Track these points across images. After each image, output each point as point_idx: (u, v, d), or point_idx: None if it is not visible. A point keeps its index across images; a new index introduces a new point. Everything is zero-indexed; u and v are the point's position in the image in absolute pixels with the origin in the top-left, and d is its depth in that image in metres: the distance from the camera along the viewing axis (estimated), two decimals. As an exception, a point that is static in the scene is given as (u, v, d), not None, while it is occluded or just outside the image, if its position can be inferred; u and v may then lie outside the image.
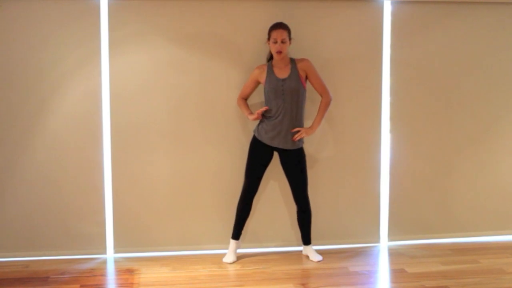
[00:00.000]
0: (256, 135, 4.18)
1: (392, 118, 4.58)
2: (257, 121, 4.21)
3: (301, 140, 4.18)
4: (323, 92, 4.18)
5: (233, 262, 4.20)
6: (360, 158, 4.56)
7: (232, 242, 4.27)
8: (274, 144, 4.12)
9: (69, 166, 4.28)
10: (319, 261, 4.21)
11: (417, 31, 4.55)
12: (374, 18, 4.48)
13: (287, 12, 4.32)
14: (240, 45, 4.34)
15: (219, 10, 4.31)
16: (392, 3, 4.48)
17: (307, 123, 4.29)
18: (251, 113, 4.20)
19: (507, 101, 4.73)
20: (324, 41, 4.43)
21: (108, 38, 4.24)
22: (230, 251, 4.26)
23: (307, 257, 4.31)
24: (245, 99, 4.27)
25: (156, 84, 4.32)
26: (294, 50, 4.27)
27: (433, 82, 4.61)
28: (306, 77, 4.16)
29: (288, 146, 4.12)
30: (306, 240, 4.34)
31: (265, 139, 4.13)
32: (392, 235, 4.66)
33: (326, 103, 4.18)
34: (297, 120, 4.12)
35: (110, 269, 4.18)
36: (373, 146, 4.57)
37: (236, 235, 4.27)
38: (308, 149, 4.44)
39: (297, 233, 4.51)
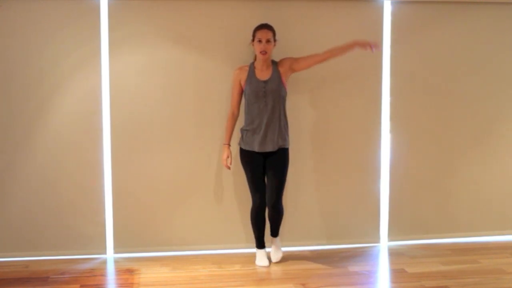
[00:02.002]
0: (242, 146, 4.11)
1: (392, 118, 4.58)
2: (240, 132, 4.17)
3: (288, 139, 4.11)
4: (314, 55, 4.07)
5: (269, 265, 4.14)
6: (360, 158, 4.56)
7: (260, 251, 4.20)
8: (261, 149, 4.03)
9: (69, 166, 4.28)
10: (277, 261, 4.16)
11: (417, 31, 4.55)
12: (374, 18, 4.48)
13: (287, 13, 4.33)
14: (240, 45, 4.33)
15: (219, 10, 4.31)
16: (392, 3, 4.49)
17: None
18: (229, 153, 4.11)
19: (506, 101, 4.73)
20: (324, 41, 4.42)
21: (108, 38, 4.24)
22: (262, 256, 4.18)
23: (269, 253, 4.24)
24: (235, 116, 4.15)
25: (156, 84, 4.32)
26: (294, 50, 4.27)
27: (433, 82, 4.61)
28: (292, 71, 4.08)
29: (275, 147, 4.04)
30: (274, 232, 4.22)
31: (253, 146, 4.05)
32: (392, 235, 4.66)
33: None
34: (280, 121, 4.04)
35: (110, 269, 4.18)
36: (373, 146, 4.57)
37: (261, 245, 4.20)
38: (308, 149, 4.45)
39: (297, 232, 4.52)
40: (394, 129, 4.60)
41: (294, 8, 4.35)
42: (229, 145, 4.15)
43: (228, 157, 4.13)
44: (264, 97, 4.01)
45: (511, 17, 4.65)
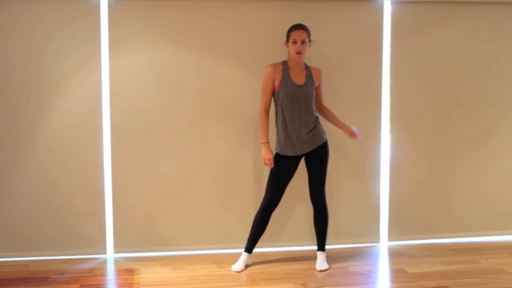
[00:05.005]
0: (279, 151, 4.03)
1: (392, 118, 4.58)
2: (275, 137, 4.09)
3: (323, 134, 4.05)
4: (321, 103, 4.17)
5: (241, 271, 4.07)
6: (360, 158, 4.57)
7: (244, 254, 4.13)
8: (299, 152, 3.99)
9: (69, 166, 4.28)
10: (321, 270, 4.06)
11: (417, 31, 4.55)
12: (374, 18, 4.48)
13: (287, 12, 4.32)
14: (239, 45, 4.34)
15: (218, 10, 4.31)
16: (392, 3, 4.49)
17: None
18: (272, 151, 4.01)
19: (506, 101, 4.73)
20: (324, 41, 4.43)
21: (108, 38, 4.24)
22: (240, 261, 4.11)
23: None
24: (268, 113, 4.05)
25: (156, 84, 4.32)
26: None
27: (433, 82, 4.61)
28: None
29: (313, 146, 4.01)
30: (319, 245, 4.18)
31: (289, 151, 3.99)
32: (392, 235, 4.66)
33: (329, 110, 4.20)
34: (312, 124, 3.99)
35: (110, 269, 4.18)
36: (373, 146, 4.58)
37: (250, 248, 4.13)
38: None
39: (297, 232, 4.52)
40: (394, 129, 4.60)
41: (294, 8, 4.35)
42: (268, 142, 4.04)
43: (272, 156, 4.02)
44: (298, 102, 3.96)
45: (511, 17, 4.65)
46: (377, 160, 4.59)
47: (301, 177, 4.22)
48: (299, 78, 4.00)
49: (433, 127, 4.65)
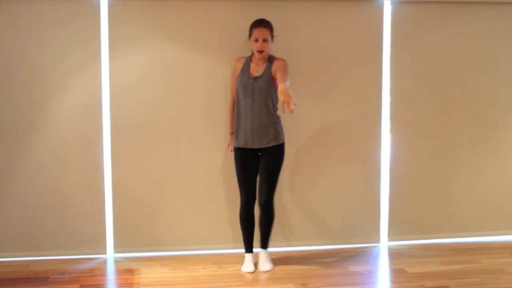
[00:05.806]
0: (234, 144, 4.07)
1: (392, 118, 4.58)
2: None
3: (281, 136, 4.00)
4: (279, 82, 3.75)
5: (254, 271, 4.05)
6: (360, 159, 4.56)
7: (248, 255, 4.12)
8: (249, 145, 3.97)
9: (69, 166, 4.28)
10: (264, 271, 4.03)
11: (417, 31, 4.55)
12: (374, 18, 4.48)
13: (287, 12, 4.33)
14: (239, 45, 4.33)
15: (218, 10, 4.31)
16: (392, 3, 4.49)
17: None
18: (230, 141, 4.15)
19: (506, 101, 4.73)
20: (324, 41, 4.43)
21: (108, 38, 4.24)
22: (248, 262, 4.11)
23: (257, 263, 4.11)
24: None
25: (156, 83, 4.32)
26: (294, 50, 4.27)
27: (433, 82, 4.62)
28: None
29: (267, 144, 3.96)
30: (262, 243, 4.11)
31: (241, 142, 4.00)
32: (392, 235, 4.66)
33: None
34: (269, 119, 3.94)
35: (110, 269, 4.18)
36: (373, 146, 4.57)
37: (249, 248, 4.13)
38: (308, 149, 4.45)
39: (296, 232, 4.52)
40: (394, 129, 4.60)
41: (294, 8, 4.35)
42: (233, 133, 4.12)
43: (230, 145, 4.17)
44: (251, 93, 3.94)
45: (511, 17, 4.65)
46: (377, 160, 4.59)
47: (299, 177, 4.23)
48: (256, 71, 4.00)
49: (433, 127, 4.65)
